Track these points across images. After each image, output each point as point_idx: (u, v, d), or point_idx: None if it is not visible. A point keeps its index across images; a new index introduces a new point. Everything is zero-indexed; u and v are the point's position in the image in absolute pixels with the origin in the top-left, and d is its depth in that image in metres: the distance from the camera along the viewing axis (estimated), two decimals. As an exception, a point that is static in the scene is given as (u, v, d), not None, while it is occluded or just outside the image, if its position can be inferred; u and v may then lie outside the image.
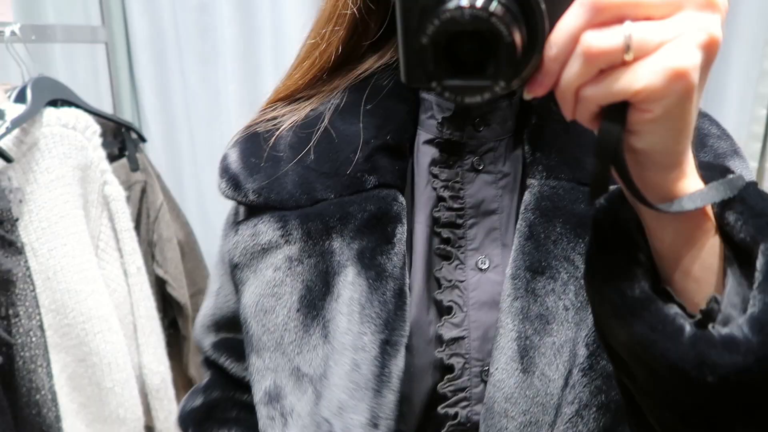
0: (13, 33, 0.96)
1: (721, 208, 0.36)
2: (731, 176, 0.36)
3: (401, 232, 0.51)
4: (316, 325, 0.52)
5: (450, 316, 0.50)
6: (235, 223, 0.58)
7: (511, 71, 0.31)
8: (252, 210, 0.56)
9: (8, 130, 0.84)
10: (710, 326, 0.33)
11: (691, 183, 0.34)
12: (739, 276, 0.35)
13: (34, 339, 0.86)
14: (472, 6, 0.29)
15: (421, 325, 0.51)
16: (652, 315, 0.33)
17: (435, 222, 0.52)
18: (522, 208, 0.49)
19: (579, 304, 0.47)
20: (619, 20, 0.30)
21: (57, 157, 0.97)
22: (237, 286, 0.58)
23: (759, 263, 0.33)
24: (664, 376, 0.33)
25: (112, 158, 1.19)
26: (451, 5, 0.30)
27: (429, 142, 0.54)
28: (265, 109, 0.59)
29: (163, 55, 1.45)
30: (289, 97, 0.59)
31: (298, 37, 1.41)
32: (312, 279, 0.52)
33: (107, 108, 1.38)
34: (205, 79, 1.48)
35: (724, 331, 0.32)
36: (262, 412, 0.55)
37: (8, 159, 0.83)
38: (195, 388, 0.68)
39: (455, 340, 0.50)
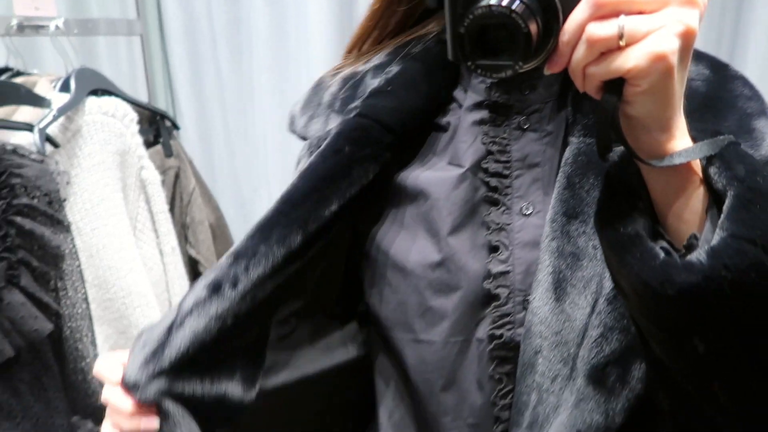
0: (57, 27, 1.03)
1: (707, 163, 0.43)
2: (718, 138, 0.43)
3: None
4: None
5: (497, 254, 0.58)
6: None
7: (527, 54, 0.41)
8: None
9: (55, 118, 0.91)
10: (678, 255, 0.42)
11: (679, 143, 0.42)
12: (715, 218, 0.42)
13: (79, 311, 0.92)
14: (498, 5, 0.39)
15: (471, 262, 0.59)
16: (637, 247, 0.42)
17: (484, 172, 0.59)
18: (562, 162, 0.56)
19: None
20: (616, 14, 0.38)
21: (98, 143, 1.03)
22: None
23: (725, 207, 0.40)
24: (640, 292, 0.42)
25: (147, 145, 1.24)
26: (483, 3, 0.40)
27: (478, 104, 0.60)
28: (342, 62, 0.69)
29: (196, 46, 1.51)
30: (349, 52, 0.69)
31: (325, 28, 1.46)
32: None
33: (142, 97, 1.44)
34: (237, 69, 1.53)
35: (688, 258, 0.40)
36: None
37: (55, 144, 0.89)
38: None
39: (502, 274, 0.57)
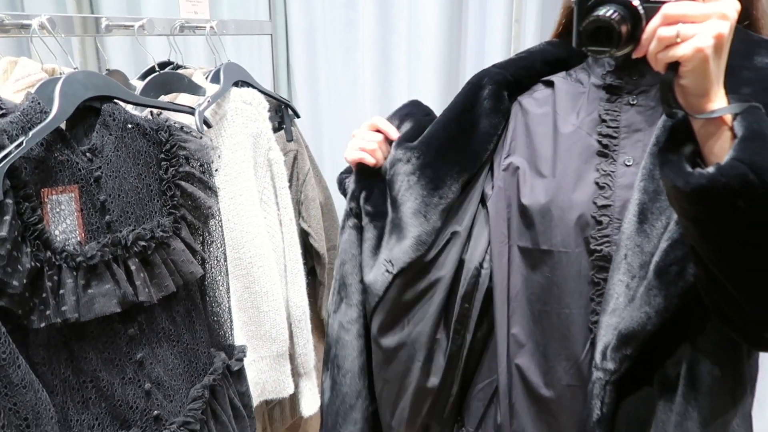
0: (212, 27, 1.21)
1: (732, 119, 0.62)
2: (743, 103, 0.62)
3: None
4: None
5: (603, 191, 0.78)
6: None
7: (618, 45, 0.64)
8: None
9: (209, 104, 1.08)
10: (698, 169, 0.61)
11: (715, 105, 0.62)
12: None
13: (218, 263, 1.10)
14: (605, 15, 0.63)
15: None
16: (675, 165, 0.63)
17: (599, 134, 0.81)
18: (656, 127, 0.75)
19: None
20: (676, 22, 0.60)
21: (238, 125, 1.20)
22: None
23: (734, 142, 0.60)
24: (672, 192, 0.63)
25: (273, 130, 1.42)
26: (594, 14, 0.64)
27: (599, 85, 0.83)
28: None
29: (313, 46, 1.67)
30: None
31: (430, 33, 1.58)
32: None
33: (268, 87, 1.63)
34: (345, 67, 1.68)
35: (704, 170, 0.59)
36: None
37: (209, 125, 1.07)
38: None
39: (606, 206, 0.78)
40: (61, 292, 0.75)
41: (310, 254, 1.53)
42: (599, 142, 0.80)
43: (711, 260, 0.65)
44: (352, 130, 1.73)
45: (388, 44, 1.60)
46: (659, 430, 0.76)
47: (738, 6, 0.60)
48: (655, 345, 0.73)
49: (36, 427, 0.70)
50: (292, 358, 1.38)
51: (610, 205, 0.78)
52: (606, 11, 0.63)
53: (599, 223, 0.78)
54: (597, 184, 0.79)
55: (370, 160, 0.97)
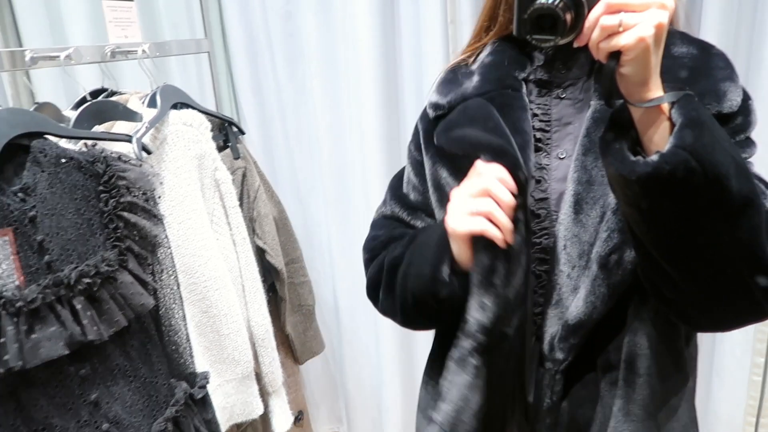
0: (144, 51, 1.18)
1: (670, 107, 0.62)
2: (679, 92, 0.62)
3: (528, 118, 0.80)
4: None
5: (539, 185, 0.79)
6: (423, 137, 0.89)
7: (563, 33, 0.63)
8: (440, 119, 0.85)
9: (147, 129, 1.05)
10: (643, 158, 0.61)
11: (653, 93, 0.62)
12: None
13: (171, 292, 1.07)
14: (548, 3, 0.62)
15: None
16: (618, 154, 0.63)
17: (532, 129, 0.79)
18: (585, 119, 0.76)
19: None
20: (618, 11, 0.59)
21: (180, 148, 1.17)
22: (424, 175, 0.88)
23: (674, 130, 0.60)
24: (618, 181, 0.63)
25: (218, 149, 1.39)
26: (538, 2, 0.63)
27: (534, 80, 0.82)
28: (452, 65, 0.91)
29: (255, 60, 1.65)
30: (466, 52, 0.90)
31: (370, 39, 1.58)
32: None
33: (210, 106, 1.60)
34: (292, 78, 1.67)
35: (647, 158, 0.60)
36: None
37: (148, 151, 1.04)
38: (373, 236, 0.94)
39: (543, 199, 0.78)
40: (2, 340, 0.72)
41: (268, 271, 1.52)
42: (533, 136, 0.80)
43: (653, 244, 0.66)
44: (304, 141, 1.73)
45: (332, 52, 1.59)
46: (605, 414, 0.77)
47: None
48: (597, 332, 0.75)
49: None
50: (259, 377, 1.36)
51: (546, 198, 0.78)
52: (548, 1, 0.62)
53: (537, 216, 0.78)
54: (533, 177, 0.79)
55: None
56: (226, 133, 1.43)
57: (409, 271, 0.81)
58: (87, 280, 0.83)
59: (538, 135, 0.80)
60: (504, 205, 0.70)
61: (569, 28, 0.63)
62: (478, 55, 0.87)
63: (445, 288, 0.76)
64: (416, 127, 0.93)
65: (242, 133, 1.47)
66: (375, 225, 0.97)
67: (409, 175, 0.93)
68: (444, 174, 0.85)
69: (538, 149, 0.79)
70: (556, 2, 0.62)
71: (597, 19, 0.61)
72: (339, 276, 1.80)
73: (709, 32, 1.33)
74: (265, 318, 1.37)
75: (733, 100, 0.72)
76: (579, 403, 0.79)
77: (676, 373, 0.79)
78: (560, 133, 0.80)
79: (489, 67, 0.84)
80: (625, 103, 0.64)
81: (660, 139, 0.63)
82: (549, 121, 0.80)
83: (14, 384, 0.75)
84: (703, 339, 1.55)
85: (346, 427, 2.00)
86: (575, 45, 0.65)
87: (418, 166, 0.91)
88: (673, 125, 0.62)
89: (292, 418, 1.49)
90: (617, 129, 0.65)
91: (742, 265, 0.63)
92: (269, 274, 1.53)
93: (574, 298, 0.75)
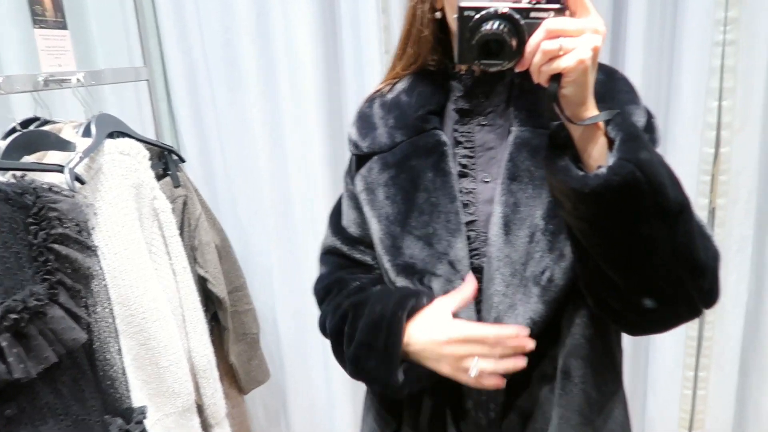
0: (78, 80, 1.16)
1: (605, 124, 0.67)
2: (613, 111, 0.68)
3: (448, 154, 0.84)
4: (417, 207, 0.84)
5: (467, 208, 0.83)
6: (353, 171, 0.92)
7: (509, 58, 0.66)
8: (363, 159, 0.90)
9: (81, 159, 1.03)
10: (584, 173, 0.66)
11: (590, 112, 0.67)
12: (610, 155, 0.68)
13: (106, 325, 1.03)
14: (493, 29, 0.64)
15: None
16: (567, 171, 0.66)
17: (457, 156, 0.84)
18: (507, 144, 0.81)
19: (536, 195, 0.78)
20: (558, 36, 0.62)
21: (117, 178, 1.15)
22: (361, 208, 0.90)
23: (615, 145, 0.65)
24: (570, 195, 0.66)
25: (158, 177, 1.37)
26: (483, 28, 0.65)
27: (455, 109, 0.86)
28: (372, 93, 0.94)
29: (195, 88, 1.64)
30: (384, 82, 0.94)
31: (311, 67, 1.60)
32: (405, 186, 0.85)
33: (150, 134, 1.58)
34: (232, 105, 1.66)
35: (596, 171, 0.64)
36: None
37: (82, 182, 1.02)
38: (320, 277, 0.99)
39: (472, 221, 0.82)
40: None
41: (211, 300, 1.49)
42: (459, 163, 0.84)
43: (601, 255, 0.70)
44: (245, 167, 1.72)
45: (272, 79, 1.59)
46: (545, 421, 0.81)
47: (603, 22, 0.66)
48: (535, 345, 0.78)
49: None
50: (201, 409, 1.33)
51: (475, 221, 0.82)
52: (495, 25, 0.64)
53: (468, 238, 0.82)
54: (461, 202, 0.83)
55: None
56: (165, 161, 1.41)
57: (361, 365, 0.84)
58: (13, 316, 0.80)
59: (464, 161, 0.84)
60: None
61: (513, 53, 0.65)
62: (394, 84, 0.92)
63: (400, 386, 0.81)
64: (348, 160, 0.96)
65: (182, 161, 1.46)
66: (321, 260, 1.01)
67: (347, 208, 0.95)
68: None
69: (464, 175, 0.84)
70: (501, 28, 0.65)
71: (538, 44, 0.63)
72: (282, 303, 1.78)
73: (634, 63, 1.42)
74: (206, 348, 1.34)
75: (638, 121, 0.78)
76: (520, 411, 0.83)
77: (611, 380, 0.83)
78: (484, 158, 0.84)
79: (403, 108, 0.88)
80: (561, 124, 0.69)
81: (599, 155, 0.67)
82: (473, 147, 0.84)
83: (-69, 428, 0.71)
84: (638, 355, 1.62)
85: (294, 456, 1.97)
86: (517, 70, 0.67)
87: (354, 198, 0.92)
88: (609, 141, 0.67)
89: (236, 451, 1.46)
90: (557, 148, 0.69)
91: (682, 268, 0.69)
92: (211, 303, 1.50)
93: (512, 315, 0.78)
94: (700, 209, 1.41)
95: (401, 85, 0.90)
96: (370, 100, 0.93)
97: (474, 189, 0.83)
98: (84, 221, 0.95)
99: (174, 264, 1.29)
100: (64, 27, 1.18)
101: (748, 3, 1.31)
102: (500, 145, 0.83)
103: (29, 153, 1.00)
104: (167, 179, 1.40)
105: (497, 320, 0.79)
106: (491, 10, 0.65)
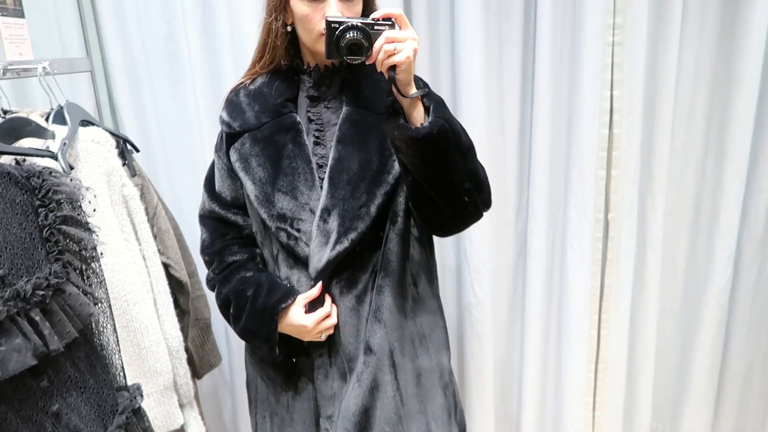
0: (44, 68, 1.15)
1: (422, 97, 1.00)
2: (425, 89, 1.02)
3: (303, 130, 1.15)
4: (283, 171, 1.14)
5: (323, 168, 1.14)
6: (225, 147, 1.20)
7: (364, 55, 0.98)
8: (235, 136, 1.17)
9: (65, 146, 1.04)
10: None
11: (413, 90, 0.99)
12: (426, 117, 1.02)
13: (103, 305, 1.06)
14: (356, 36, 0.97)
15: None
16: (403, 126, 0.98)
17: (313, 131, 1.16)
18: (340, 120, 1.13)
19: (354, 152, 1.11)
20: (393, 41, 0.94)
21: (92, 165, 1.16)
22: (236, 176, 1.19)
23: (430, 111, 0.99)
24: (407, 141, 0.98)
25: (116, 167, 1.37)
26: (348, 35, 0.97)
27: (306, 96, 1.17)
28: (236, 85, 1.22)
29: (136, 81, 1.63)
30: (245, 76, 1.22)
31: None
32: (272, 155, 1.14)
33: (90, 127, 1.55)
34: (174, 100, 1.67)
35: (423, 125, 0.98)
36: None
37: (71, 167, 1.03)
38: (203, 244, 1.30)
39: (321, 166, 1.14)
40: (-25, 354, 0.71)
41: (171, 285, 1.51)
42: (314, 135, 1.16)
43: (426, 181, 1.03)
44: (189, 158, 1.73)
45: (216, 71, 1.63)
46: (361, 323, 1.16)
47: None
48: (355, 260, 1.14)
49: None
50: (175, 389, 1.36)
51: (324, 165, 1.15)
52: (355, 34, 0.96)
53: (322, 187, 1.13)
54: (316, 164, 1.14)
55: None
56: (121, 150, 1.41)
57: (248, 341, 1.26)
58: (41, 293, 0.83)
59: (317, 134, 1.16)
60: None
61: (366, 52, 0.97)
62: (255, 79, 1.19)
63: (277, 355, 1.19)
64: (218, 138, 1.24)
65: (137, 150, 1.46)
66: (202, 222, 1.31)
67: (221, 178, 1.24)
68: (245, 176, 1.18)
69: (317, 143, 1.16)
70: (360, 36, 0.96)
71: (381, 46, 0.94)
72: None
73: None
74: (177, 330, 1.37)
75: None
76: (345, 324, 1.16)
77: (427, 279, 1.22)
78: (330, 131, 1.16)
79: (265, 97, 1.16)
80: (394, 99, 1.00)
81: (420, 116, 1.00)
82: (321, 123, 1.16)
83: (-17, 399, 0.73)
84: (551, 308, 1.86)
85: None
86: (368, 63, 0.98)
87: (227, 169, 1.22)
88: (425, 107, 1.01)
89: (205, 429, 1.50)
90: (395, 113, 1.01)
91: (471, 184, 1.06)
92: (172, 288, 1.52)
93: (347, 233, 1.11)
94: (599, 180, 1.68)
95: (261, 80, 1.18)
96: (236, 91, 1.20)
97: (325, 154, 1.15)
98: (80, 203, 0.98)
99: (144, 249, 1.31)
100: (22, 15, 1.16)
101: (630, 12, 1.59)
102: (337, 121, 1.15)
103: (14, 139, 1.00)
104: (124, 168, 1.40)
105: (341, 232, 1.11)
106: (350, 23, 0.96)
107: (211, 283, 1.28)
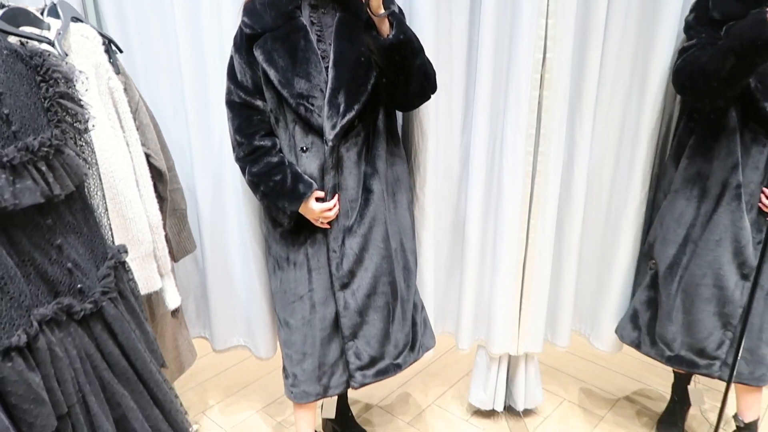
0: (39, -33, 1.29)
1: (388, 17, 1.41)
2: (391, 10, 1.41)
3: (309, 30, 1.55)
4: (298, 61, 1.54)
5: (325, 59, 1.56)
6: (246, 45, 1.58)
7: None
8: (256, 37, 1.55)
9: (61, 35, 1.20)
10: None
11: (382, 11, 1.40)
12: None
13: (92, 173, 1.26)
14: None
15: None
16: (376, 37, 1.44)
17: (315, 32, 1.55)
18: (335, 22, 1.55)
19: (349, 47, 1.54)
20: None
21: (82, 57, 1.33)
22: (258, 67, 1.58)
23: (394, 26, 1.43)
24: (376, 46, 1.45)
25: (101, 64, 1.53)
26: None
27: (309, 4, 1.56)
28: None
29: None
30: None
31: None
32: (290, 49, 1.53)
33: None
34: (152, 7, 1.81)
35: (390, 35, 1.43)
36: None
37: (66, 54, 1.20)
38: (237, 128, 1.65)
39: (327, 66, 1.56)
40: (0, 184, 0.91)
41: (151, 173, 1.70)
42: (316, 34, 1.55)
43: (392, 73, 1.49)
44: (166, 66, 1.86)
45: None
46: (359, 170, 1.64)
47: None
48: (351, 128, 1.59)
49: (11, 284, 0.88)
50: (155, 259, 1.58)
51: (328, 65, 1.54)
52: None
53: (326, 71, 1.54)
54: (320, 56, 1.53)
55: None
56: (106, 49, 1.56)
57: (269, 207, 1.71)
58: (45, 149, 1.02)
59: (318, 34, 1.54)
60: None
61: None
62: None
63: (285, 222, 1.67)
64: (238, 39, 1.58)
65: (120, 51, 1.61)
66: (233, 108, 1.63)
67: (242, 70, 1.58)
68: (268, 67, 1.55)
69: (320, 41, 1.54)
70: None
71: None
72: (200, 187, 2.02)
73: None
74: (156, 209, 1.57)
75: (395, 9, 1.51)
76: (342, 172, 1.62)
77: (395, 137, 1.72)
78: (328, 32, 1.55)
79: (277, 6, 1.53)
80: (371, 17, 1.38)
81: (386, 30, 1.40)
82: (321, 25, 1.55)
83: (4, 223, 0.94)
84: (485, 252, 2.09)
85: (210, 331, 2.26)
86: None
87: (248, 64, 1.57)
88: (391, 24, 1.39)
89: (180, 298, 1.73)
90: (369, 28, 1.41)
91: (424, 75, 1.53)
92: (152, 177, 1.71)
93: (351, 105, 1.53)
94: (532, 99, 1.87)
95: None
96: (252, 1, 1.55)
97: (326, 48, 1.55)
98: (75, 83, 1.15)
99: (127, 137, 1.49)
100: None
101: (560, 14, 1.75)
102: (332, 24, 1.54)
103: (16, 26, 1.16)
104: (110, 64, 1.56)
105: (349, 104, 1.54)
106: None
107: (242, 162, 1.63)
